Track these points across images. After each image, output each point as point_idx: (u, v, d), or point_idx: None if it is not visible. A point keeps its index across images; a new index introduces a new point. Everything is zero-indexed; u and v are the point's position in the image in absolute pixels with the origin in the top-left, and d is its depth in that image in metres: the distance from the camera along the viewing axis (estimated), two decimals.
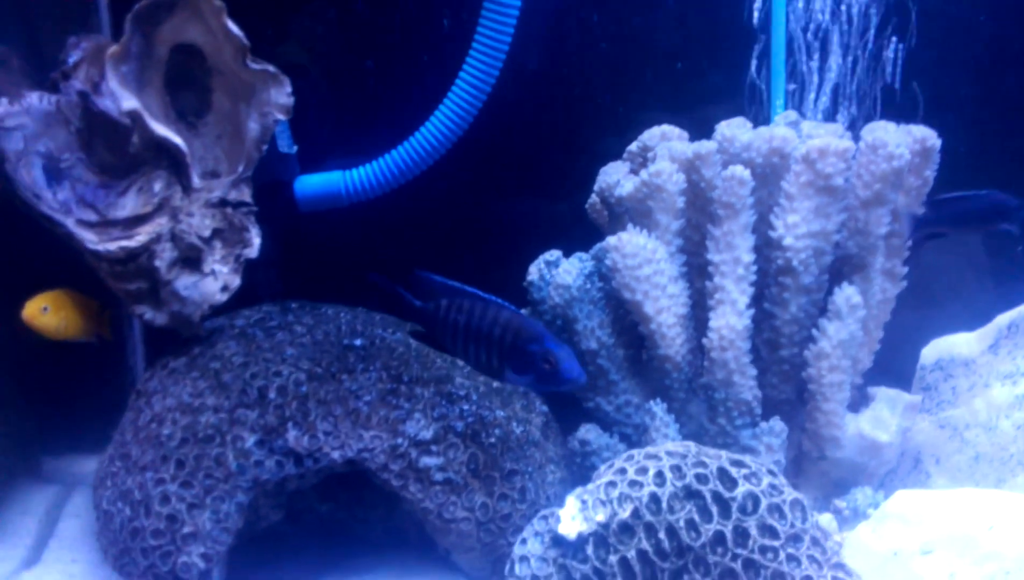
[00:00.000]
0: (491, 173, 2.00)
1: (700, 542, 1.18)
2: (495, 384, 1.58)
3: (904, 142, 1.53)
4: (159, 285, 1.53)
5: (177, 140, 1.54)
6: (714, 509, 1.19)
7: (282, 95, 1.57)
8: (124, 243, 1.52)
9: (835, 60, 1.90)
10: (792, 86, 1.90)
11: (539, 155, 2.00)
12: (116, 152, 1.57)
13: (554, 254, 1.72)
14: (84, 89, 1.55)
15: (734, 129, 1.61)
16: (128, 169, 1.58)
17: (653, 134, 1.71)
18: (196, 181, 1.57)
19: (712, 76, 1.91)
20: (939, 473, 1.62)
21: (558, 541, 1.22)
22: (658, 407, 1.58)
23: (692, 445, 1.28)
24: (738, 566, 1.18)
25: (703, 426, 1.61)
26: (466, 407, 1.51)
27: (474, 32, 1.70)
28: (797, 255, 1.52)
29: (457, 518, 1.46)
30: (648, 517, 1.19)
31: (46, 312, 1.55)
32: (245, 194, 1.59)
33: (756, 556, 1.18)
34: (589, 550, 1.20)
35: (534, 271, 1.71)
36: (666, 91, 1.96)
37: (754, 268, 1.55)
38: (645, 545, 1.19)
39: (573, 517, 1.22)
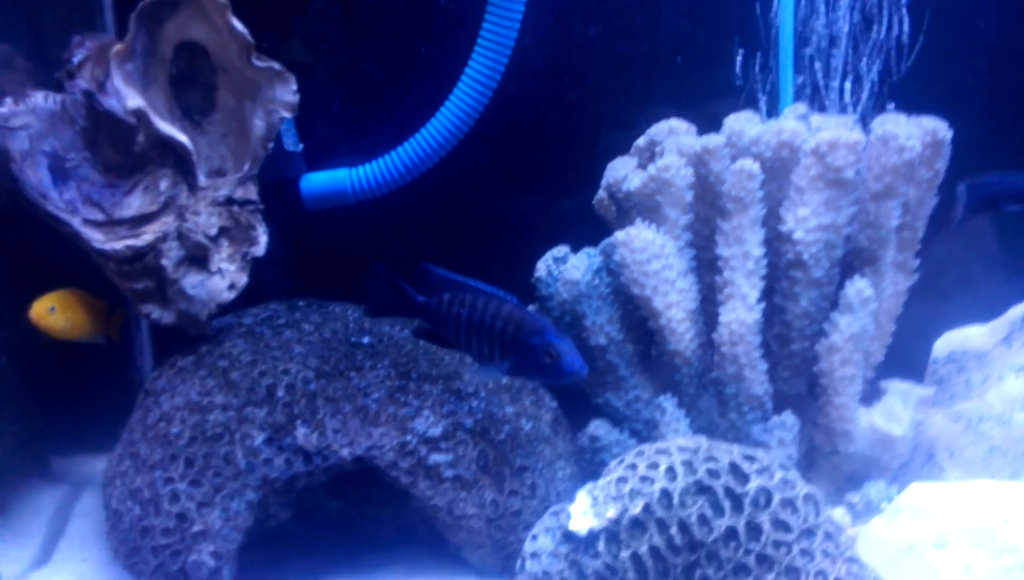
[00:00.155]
0: (497, 170, 1.99)
1: (712, 537, 1.18)
2: (503, 380, 1.58)
3: (915, 134, 1.52)
4: (166, 284, 1.53)
5: (183, 138, 1.53)
6: (726, 504, 1.18)
7: (287, 93, 1.57)
8: (130, 242, 1.52)
9: (844, 52, 1.89)
10: (800, 79, 1.89)
11: (546, 151, 1.99)
12: (122, 151, 1.57)
13: (562, 250, 1.71)
14: (89, 88, 1.55)
15: (743, 123, 1.60)
16: (134, 168, 1.57)
17: (661, 129, 1.70)
18: (202, 179, 1.57)
19: (720, 70, 1.90)
20: (953, 466, 1.61)
21: (569, 537, 1.21)
22: (668, 402, 1.58)
23: (703, 440, 1.27)
24: (751, 561, 1.17)
25: (714, 421, 1.60)
26: (475, 403, 1.51)
27: (479, 28, 1.70)
28: (808, 249, 1.51)
29: (467, 515, 1.45)
30: (660, 512, 1.19)
31: (53, 312, 1.55)
32: (251, 192, 1.59)
33: (769, 551, 1.17)
34: (600, 546, 1.19)
35: (542, 267, 1.70)
36: (673, 85, 1.95)
37: (764, 262, 1.54)
38: (657, 540, 1.18)
39: (584, 513, 1.21)
